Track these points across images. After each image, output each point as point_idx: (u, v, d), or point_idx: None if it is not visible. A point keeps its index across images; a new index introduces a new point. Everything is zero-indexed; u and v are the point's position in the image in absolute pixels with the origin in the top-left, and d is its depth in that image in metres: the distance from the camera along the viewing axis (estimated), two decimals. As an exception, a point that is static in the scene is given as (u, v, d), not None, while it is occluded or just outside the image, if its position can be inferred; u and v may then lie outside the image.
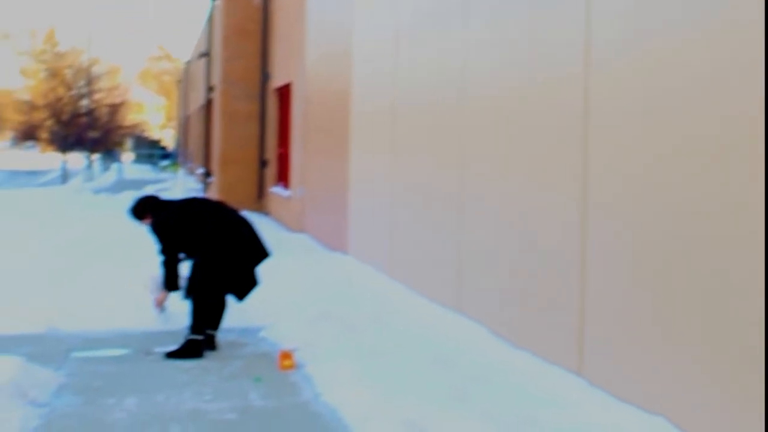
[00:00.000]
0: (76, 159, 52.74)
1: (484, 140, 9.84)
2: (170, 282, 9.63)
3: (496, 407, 7.23)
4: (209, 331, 9.47)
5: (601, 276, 7.38)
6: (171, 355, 9.14)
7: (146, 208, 9.71)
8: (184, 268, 9.56)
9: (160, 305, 10.07)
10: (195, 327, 9.22)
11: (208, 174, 32.44)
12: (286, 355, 8.79)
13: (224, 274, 9.37)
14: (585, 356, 7.60)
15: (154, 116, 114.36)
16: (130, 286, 11.54)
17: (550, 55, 8.33)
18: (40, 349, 9.37)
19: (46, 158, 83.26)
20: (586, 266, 7.61)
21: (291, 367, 8.71)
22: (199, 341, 9.22)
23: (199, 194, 9.89)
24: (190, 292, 9.28)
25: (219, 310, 9.57)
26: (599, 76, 7.45)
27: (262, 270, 9.94)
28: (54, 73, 55.46)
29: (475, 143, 10.08)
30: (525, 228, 8.75)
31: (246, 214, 10.10)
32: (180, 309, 9.92)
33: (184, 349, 9.18)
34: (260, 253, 9.60)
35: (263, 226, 12.50)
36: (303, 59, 20.07)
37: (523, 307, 8.76)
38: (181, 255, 9.57)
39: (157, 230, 9.53)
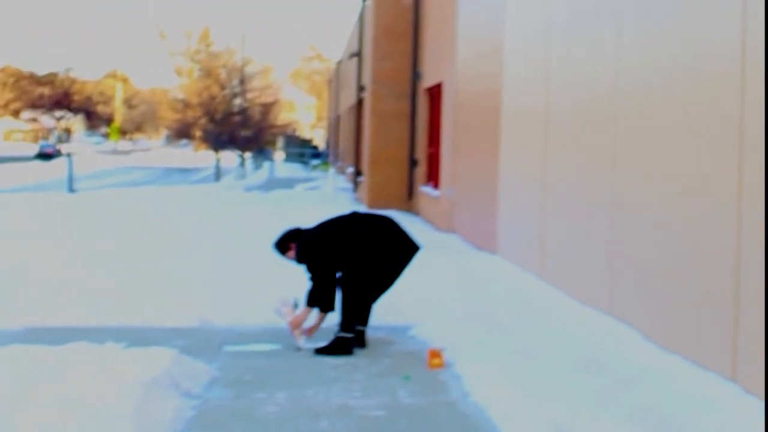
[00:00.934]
0: (229, 157, 53.68)
1: (637, 140, 9.71)
2: (325, 303, 9.54)
3: (645, 411, 7.14)
4: (359, 327, 9.54)
5: (756, 281, 7.21)
6: (320, 351, 9.24)
7: (288, 240, 9.76)
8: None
9: (297, 329, 9.57)
10: (344, 324, 9.30)
11: (358, 173, 32.68)
12: (435, 354, 8.81)
13: (374, 275, 9.41)
14: (739, 362, 7.44)
15: (305, 115, 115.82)
16: (282, 282, 11.70)
17: (706, 53, 8.18)
18: (194, 342, 9.59)
19: (199, 156, 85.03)
20: (741, 271, 7.45)
21: (440, 365, 8.72)
22: (349, 339, 9.29)
23: (336, 214, 9.75)
24: (343, 290, 9.32)
25: (368, 307, 9.62)
26: (756, 74, 7.27)
27: (414, 268, 9.93)
28: (208, 73, 56.53)
29: (628, 143, 9.95)
30: (679, 230, 8.61)
31: (395, 214, 10.12)
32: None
33: (333, 345, 9.27)
34: (410, 248, 9.59)
35: (413, 226, 12.58)
36: (454, 59, 20.07)
37: (676, 311, 8.62)
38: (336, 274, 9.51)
39: (302, 258, 9.58)
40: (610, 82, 10.48)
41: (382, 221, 9.66)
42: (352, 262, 9.31)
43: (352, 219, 9.74)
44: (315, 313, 9.64)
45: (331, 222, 9.73)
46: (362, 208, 23.96)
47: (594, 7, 11.17)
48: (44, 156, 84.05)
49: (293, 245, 9.68)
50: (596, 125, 10.92)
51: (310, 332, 9.64)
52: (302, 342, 9.50)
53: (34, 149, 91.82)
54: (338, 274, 9.43)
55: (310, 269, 9.52)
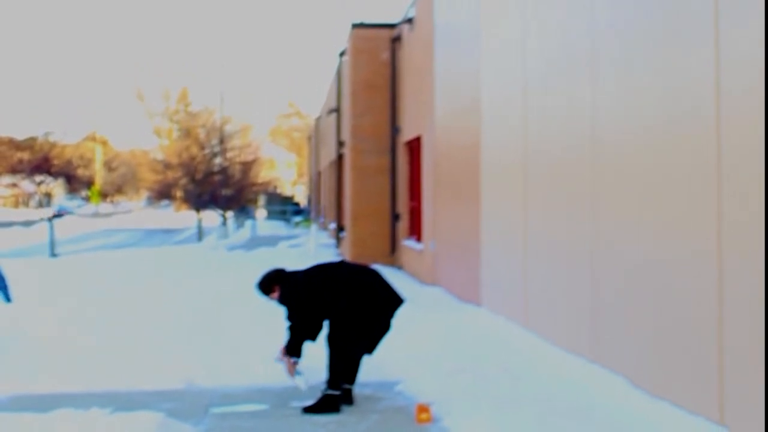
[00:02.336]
0: (211, 216, 53.66)
1: (616, 188, 9.76)
2: (294, 348, 9.53)
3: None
4: (346, 386, 9.52)
5: (739, 325, 7.24)
6: (308, 410, 9.21)
7: (273, 282, 9.74)
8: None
9: (292, 372, 9.69)
10: (331, 381, 9.27)
11: (340, 229, 32.72)
12: (423, 409, 8.79)
13: (360, 330, 9.39)
14: (726, 405, 7.44)
15: (286, 172, 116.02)
16: (266, 341, 11.68)
17: (680, 100, 8.25)
18: (180, 404, 9.56)
19: (180, 216, 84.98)
20: (724, 315, 7.47)
21: (428, 420, 8.70)
22: (336, 396, 9.26)
23: (322, 261, 9.81)
24: (330, 345, 9.31)
25: (355, 364, 9.61)
26: (732, 119, 7.34)
27: (399, 322, 9.94)
28: (187, 133, 56.66)
29: (607, 191, 10.00)
30: (661, 278, 8.63)
31: (379, 268, 10.13)
32: (316, 364, 9.97)
33: (320, 403, 9.24)
34: (394, 301, 9.60)
35: (396, 280, 12.55)
36: (432, 112, 20.17)
37: (661, 357, 8.62)
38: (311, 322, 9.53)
39: (286, 301, 9.57)
40: (587, 131, 10.55)
41: (367, 273, 9.69)
42: (338, 317, 9.30)
43: (340, 268, 9.77)
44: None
45: (319, 268, 9.74)
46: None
47: (569, 57, 11.26)
48: (59, 216, 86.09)
49: (277, 287, 9.67)
50: (575, 175, 10.98)
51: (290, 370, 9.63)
52: (302, 384, 9.53)
53: (15, 215, 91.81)
54: (323, 328, 9.43)
55: (289, 313, 9.52)
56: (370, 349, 9.61)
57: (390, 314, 9.59)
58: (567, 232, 11.28)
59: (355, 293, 9.37)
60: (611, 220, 9.88)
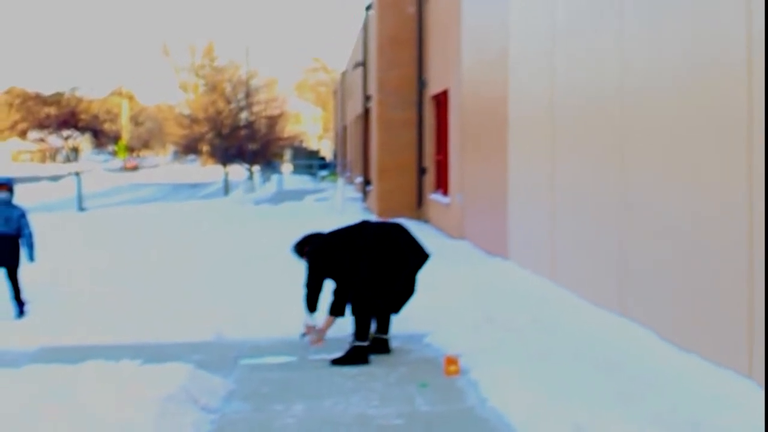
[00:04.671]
0: (237, 171, 53.72)
1: (645, 139, 9.69)
2: (311, 303, 9.73)
3: (664, 411, 7.12)
4: (381, 336, 9.62)
5: (771, 276, 7.19)
6: (336, 361, 9.25)
7: (303, 244, 9.88)
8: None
9: (323, 332, 9.89)
10: (358, 333, 9.31)
11: (367, 183, 32.67)
12: (452, 361, 8.80)
13: (383, 284, 9.42)
14: (755, 358, 7.41)
15: (312, 127, 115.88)
16: (295, 293, 11.70)
17: (711, 48, 8.16)
18: (209, 356, 9.61)
19: (207, 171, 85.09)
20: (754, 267, 7.42)
21: (456, 372, 8.71)
22: (364, 347, 9.29)
23: (353, 221, 9.93)
24: (359, 304, 9.37)
25: (386, 316, 9.65)
26: (762, 68, 7.26)
27: (425, 276, 9.96)
28: (213, 87, 56.66)
29: (636, 141, 9.93)
30: (690, 228, 8.59)
31: (405, 222, 10.14)
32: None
33: (349, 355, 9.28)
34: (419, 258, 9.63)
35: (423, 234, 12.56)
36: (459, 65, 20.06)
37: (691, 310, 8.59)
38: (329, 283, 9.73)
39: (309, 260, 9.71)
40: (615, 82, 10.47)
41: (391, 229, 9.70)
42: (360, 271, 9.33)
43: (361, 228, 9.79)
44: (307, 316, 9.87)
45: (340, 231, 9.82)
46: (372, 218, 23.98)
47: (597, 8, 11.16)
48: (129, 169, 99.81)
49: (308, 248, 9.76)
50: (603, 126, 10.91)
51: (318, 339, 9.77)
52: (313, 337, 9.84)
53: (42, 170, 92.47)
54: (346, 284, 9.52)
55: (307, 273, 9.67)
56: (396, 306, 9.66)
57: (414, 270, 9.64)
58: (595, 184, 11.22)
59: (377, 251, 9.40)
60: (639, 172, 9.82)
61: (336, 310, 9.72)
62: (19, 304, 11.94)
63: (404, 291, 9.64)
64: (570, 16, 12.22)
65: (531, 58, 14.14)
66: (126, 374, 8.00)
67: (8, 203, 12.09)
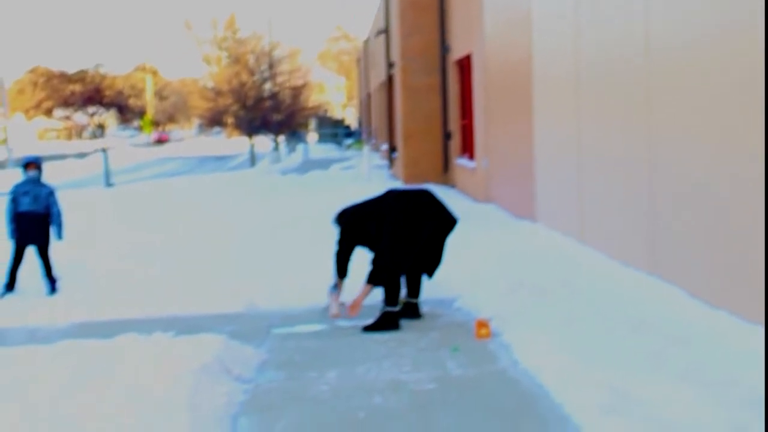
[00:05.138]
0: (262, 142, 53.78)
1: (672, 96, 9.64)
2: (340, 270, 9.85)
3: (697, 369, 7.12)
4: (412, 300, 9.68)
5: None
6: (368, 328, 9.31)
7: (342, 215, 9.97)
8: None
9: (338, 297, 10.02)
10: (388, 298, 9.36)
11: (392, 149, 32.65)
12: (482, 324, 8.83)
13: (414, 248, 9.45)
14: (788, 313, 7.40)
15: (336, 96, 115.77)
16: (325, 262, 11.75)
17: (737, 9, 8.10)
18: (241, 327, 9.68)
19: (232, 143, 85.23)
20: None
21: (487, 335, 8.74)
22: (395, 313, 9.34)
23: (381, 189, 10.07)
24: (380, 269, 9.42)
25: (416, 281, 9.71)
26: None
27: (454, 240, 9.98)
28: (236, 59, 56.61)
29: (662, 100, 9.88)
30: (718, 185, 8.55)
31: (432, 187, 10.17)
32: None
33: (380, 321, 9.34)
34: (448, 222, 9.66)
35: (450, 199, 12.57)
36: (481, 29, 19.98)
37: (719, 267, 8.57)
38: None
39: (341, 228, 9.84)
40: (642, 40, 10.40)
41: (417, 195, 9.74)
42: (385, 237, 9.39)
43: (387, 195, 9.88)
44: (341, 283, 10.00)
45: (369, 200, 9.91)
46: (398, 184, 23.98)
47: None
48: (160, 142, 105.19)
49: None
50: (629, 84, 10.85)
51: (352, 309, 9.75)
52: (334, 310, 9.91)
53: (69, 147, 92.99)
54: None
55: (337, 241, 9.84)
56: (428, 270, 9.73)
57: (442, 235, 9.69)
58: (622, 145, 11.18)
59: (399, 219, 9.47)
60: (667, 130, 9.77)
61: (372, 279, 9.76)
62: (51, 281, 12.03)
63: (434, 256, 9.68)
64: (592, -25, 12.14)
65: (555, 18, 14.07)
66: (160, 347, 8.09)
67: (37, 181, 12.17)
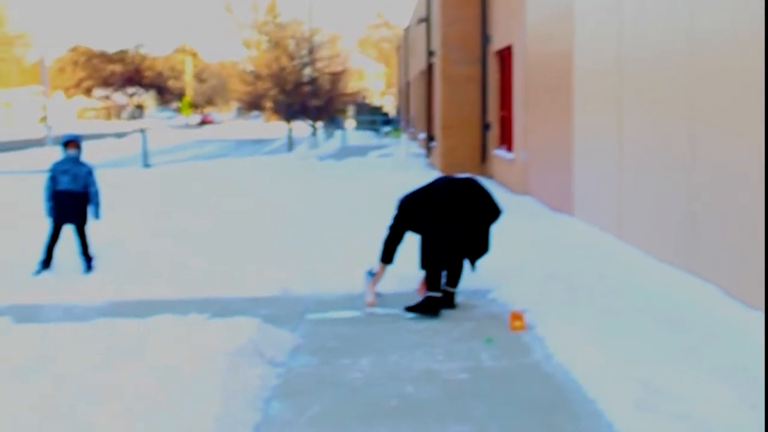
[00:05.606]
0: (300, 127, 53.83)
1: (715, 92, 9.57)
2: (386, 254, 9.93)
3: (731, 367, 7.10)
4: (449, 289, 9.72)
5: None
6: (410, 309, 9.46)
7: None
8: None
9: (376, 281, 10.10)
10: (430, 284, 9.45)
11: (430, 139, 32.62)
12: (517, 316, 8.81)
13: (458, 237, 9.49)
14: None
15: (375, 83, 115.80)
16: (360, 249, 11.77)
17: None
18: (276, 311, 9.71)
19: (270, 127, 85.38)
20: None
21: (521, 328, 8.73)
22: (437, 298, 9.39)
23: (439, 177, 10.18)
24: (425, 253, 9.51)
25: (456, 269, 9.72)
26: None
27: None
28: (276, 44, 56.64)
29: (705, 95, 9.80)
30: (759, 185, 8.48)
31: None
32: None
33: (422, 304, 9.45)
34: (492, 212, 9.68)
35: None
36: (523, 20, 19.92)
37: (757, 267, 8.51)
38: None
39: (394, 214, 9.92)
40: (685, 35, 10.33)
41: (463, 183, 9.78)
42: (428, 224, 9.41)
43: (435, 183, 9.95)
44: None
45: (420, 188, 10.00)
46: (436, 174, 23.94)
47: (666, -39, 11.00)
48: (203, 123, 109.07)
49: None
50: (671, 80, 10.78)
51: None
52: (370, 299, 9.95)
53: (107, 126, 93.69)
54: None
55: (388, 226, 9.95)
56: (471, 259, 9.78)
57: (485, 225, 9.73)
58: (662, 140, 11.11)
59: (442, 206, 9.54)
60: (708, 126, 9.70)
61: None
62: (87, 259, 12.09)
63: (478, 245, 9.71)
64: (637, -31, 12.06)
65: (598, 11, 13.99)
66: (194, 328, 8.12)
67: (76, 160, 12.20)
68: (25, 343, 7.85)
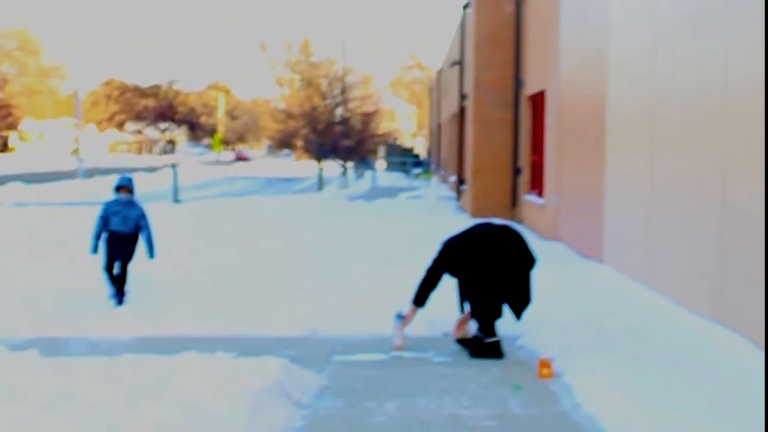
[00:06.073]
0: (331, 166, 53.97)
1: (747, 141, 9.51)
2: (420, 296, 9.87)
3: (758, 420, 7.00)
4: (480, 335, 9.74)
5: None
6: (474, 354, 9.57)
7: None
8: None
9: (406, 323, 10.04)
10: (485, 330, 9.56)
11: (461, 182, 32.62)
12: (545, 364, 8.76)
13: (498, 283, 9.53)
14: None
15: (406, 124, 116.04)
16: (389, 291, 11.74)
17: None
18: (303, 351, 9.68)
19: (301, 166, 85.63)
20: None
21: (550, 375, 8.67)
22: (495, 342, 9.57)
23: (469, 225, 10.21)
24: (473, 302, 9.61)
25: (494, 316, 9.69)
26: None
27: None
28: (309, 83, 56.88)
29: (738, 144, 9.76)
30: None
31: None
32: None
33: (483, 349, 9.55)
34: (527, 260, 9.78)
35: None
36: (556, 66, 19.93)
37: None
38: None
39: (437, 253, 9.90)
40: (719, 84, 10.30)
41: (500, 230, 9.86)
42: (466, 268, 9.64)
43: (475, 228, 9.98)
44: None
45: (460, 232, 10.01)
46: (465, 217, 23.94)
47: (702, 8, 10.99)
48: (238, 159, 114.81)
49: None
50: (705, 128, 10.74)
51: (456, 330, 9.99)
52: (398, 341, 9.89)
53: (138, 161, 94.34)
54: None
55: (427, 267, 9.92)
56: (515, 306, 9.79)
57: (521, 273, 9.76)
58: (694, 189, 11.06)
59: (481, 254, 9.61)
60: (741, 176, 9.65)
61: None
62: (120, 294, 12.19)
63: (519, 295, 9.72)
64: (673, 17, 12.05)
65: (631, 58, 13.98)
66: (221, 366, 8.11)
67: (128, 203, 12.46)
68: (50, 377, 7.85)
